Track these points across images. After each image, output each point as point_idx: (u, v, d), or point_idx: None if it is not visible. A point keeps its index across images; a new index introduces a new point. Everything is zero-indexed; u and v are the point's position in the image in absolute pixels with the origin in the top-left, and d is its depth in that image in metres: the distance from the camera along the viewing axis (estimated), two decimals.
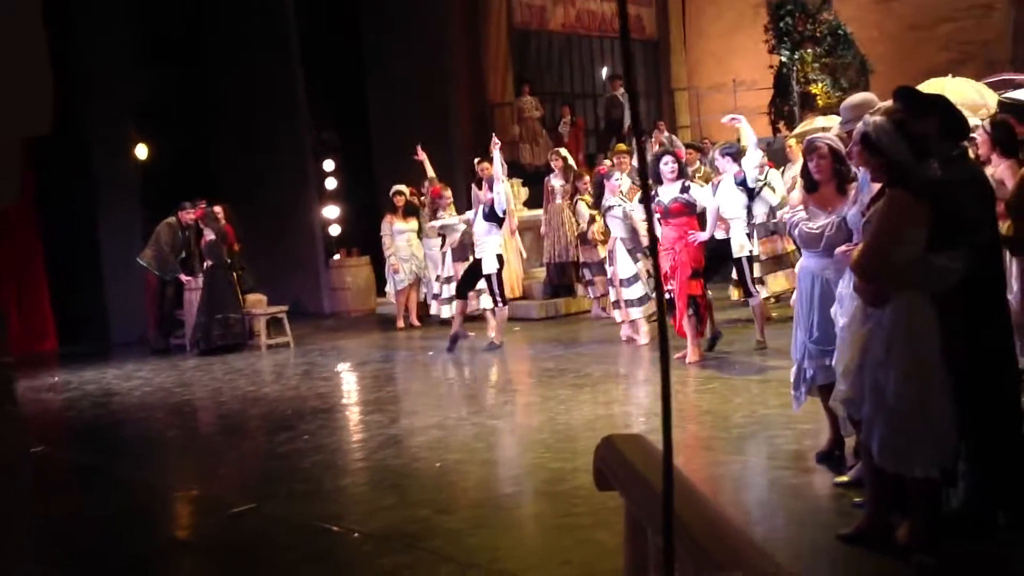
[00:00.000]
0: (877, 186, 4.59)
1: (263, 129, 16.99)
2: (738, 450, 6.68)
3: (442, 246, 13.32)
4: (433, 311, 13.87)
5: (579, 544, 5.04)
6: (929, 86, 8.24)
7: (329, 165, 17.63)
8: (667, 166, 9.62)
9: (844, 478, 5.54)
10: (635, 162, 12.69)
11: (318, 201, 17.17)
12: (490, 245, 11.40)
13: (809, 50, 17.32)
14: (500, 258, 11.48)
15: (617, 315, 11.28)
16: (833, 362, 4.93)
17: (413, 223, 14.24)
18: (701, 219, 9.79)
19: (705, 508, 1.91)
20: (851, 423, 4.70)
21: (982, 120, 7.22)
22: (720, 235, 9.82)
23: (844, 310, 4.73)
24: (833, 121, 11.10)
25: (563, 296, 14.29)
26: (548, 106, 18.68)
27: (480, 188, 12.20)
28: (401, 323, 14.35)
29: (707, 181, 11.07)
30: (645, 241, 11.02)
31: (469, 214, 12.27)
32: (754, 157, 9.82)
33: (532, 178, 16.10)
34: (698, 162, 12.87)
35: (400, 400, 9.62)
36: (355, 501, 6.28)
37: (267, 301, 14.05)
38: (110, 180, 15.52)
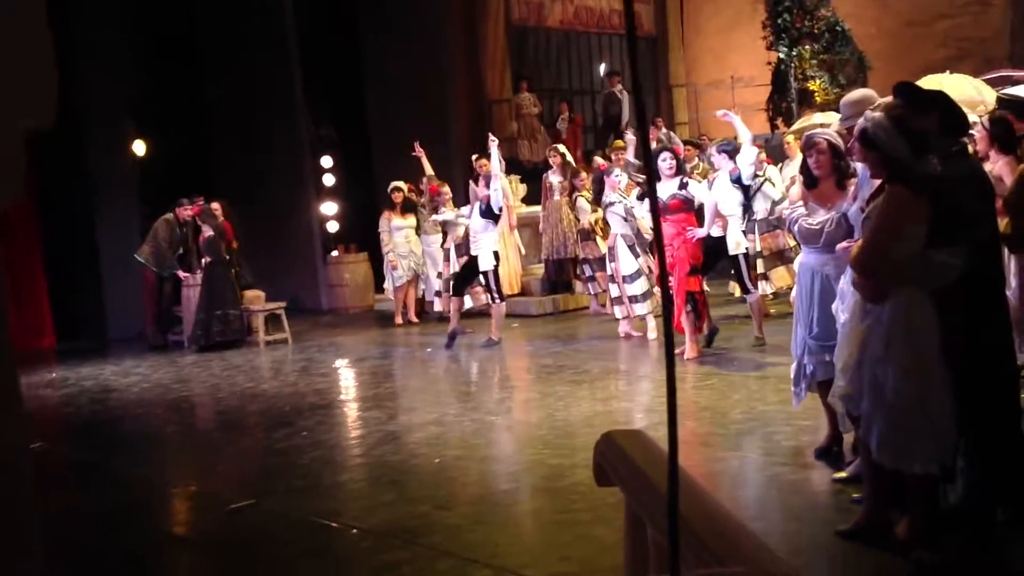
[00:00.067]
0: (877, 182, 4.59)
1: (261, 126, 16.98)
2: (736, 446, 6.69)
3: (443, 242, 13.31)
4: (437, 307, 13.84)
5: (578, 540, 5.05)
6: (927, 83, 8.26)
7: (327, 162, 17.62)
8: (665, 162, 9.63)
9: (843, 474, 5.55)
10: (629, 156, 12.69)
11: (316, 197, 17.17)
12: (486, 242, 11.40)
13: (807, 46, 17.31)
14: (496, 255, 11.48)
15: (617, 311, 11.27)
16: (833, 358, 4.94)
17: (411, 219, 14.24)
18: (699, 215, 9.79)
19: (706, 503, 1.91)
20: (850, 419, 4.70)
21: (980, 117, 7.23)
22: (717, 232, 9.82)
23: (845, 306, 4.73)
24: (831, 117, 11.14)
25: (561, 292, 14.28)
26: (546, 103, 18.67)
27: (478, 184, 12.19)
28: (399, 319, 14.35)
29: (705, 177, 11.07)
30: (648, 237, 11.05)
31: (465, 210, 12.28)
32: (749, 154, 9.81)
33: (530, 174, 16.09)
34: (696, 158, 12.86)
35: (398, 396, 9.62)
36: (354, 497, 6.29)
37: (265, 297, 14.04)
38: (108, 177, 15.52)
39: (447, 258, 13.03)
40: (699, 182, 10.27)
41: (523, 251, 14.40)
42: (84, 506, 6.70)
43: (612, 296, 11.33)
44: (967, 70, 12.64)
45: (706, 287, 10.42)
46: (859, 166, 5.10)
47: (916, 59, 16.47)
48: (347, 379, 11.06)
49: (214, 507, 6.34)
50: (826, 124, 8.84)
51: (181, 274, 13.94)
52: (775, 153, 12.96)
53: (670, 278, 9.60)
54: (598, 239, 12.13)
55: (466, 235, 12.26)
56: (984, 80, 10.86)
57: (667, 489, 1.10)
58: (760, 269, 11.17)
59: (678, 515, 1.15)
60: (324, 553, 5.27)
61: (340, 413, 9.12)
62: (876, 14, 18.60)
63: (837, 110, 11.12)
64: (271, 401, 9.54)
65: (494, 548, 5.06)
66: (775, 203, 10.98)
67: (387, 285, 14.66)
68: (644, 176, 11.76)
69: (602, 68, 19.59)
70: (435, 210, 13.31)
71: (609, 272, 11.21)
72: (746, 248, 10.22)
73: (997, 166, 6.53)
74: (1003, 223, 5.45)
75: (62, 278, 15.44)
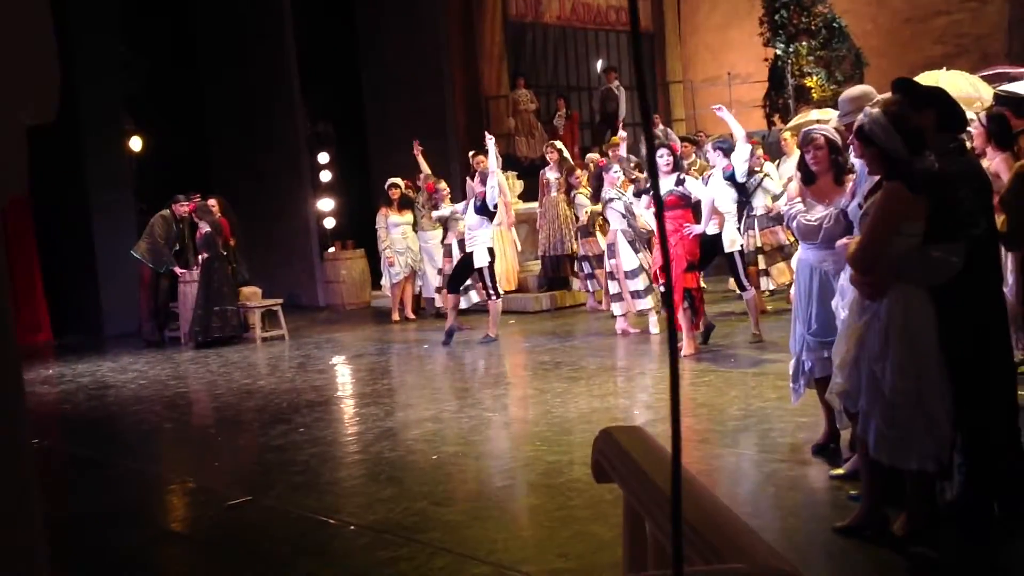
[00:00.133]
0: (875, 178, 4.59)
1: (258, 122, 16.96)
2: (734, 442, 6.70)
3: (444, 238, 13.29)
4: (438, 303, 13.82)
5: (576, 536, 5.05)
6: (924, 79, 8.24)
7: (324, 158, 17.61)
8: (662, 159, 9.62)
9: (840, 471, 5.55)
10: (623, 151, 12.69)
11: (313, 194, 17.15)
12: (481, 238, 11.40)
13: (804, 43, 17.31)
14: (491, 251, 11.49)
15: (616, 308, 11.26)
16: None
17: (408, 216, 14.23)
18: (696, 212, 9.79)
19: (704, 499, 1.91)
20: (847, 416, 4.71)
21: (976, 113, 7.24)
22: (713, 229, 9.81)
23: (845, 302, 4.73)
24: (828, 114, 11.13)
25: (558, 289, 14.28)
26: (543, 99, 18.66)
27: (474, 181, 12.19)
28: (396, 316, 14.34)
29: (702, 174, 11.07)
30: (647, 232, 11.05)
31: (460, 206, 12.25)
32: (742, 151, 9.81)
33: (527, 171, 16.10)
34: (693, 155, 12.85)
35: (396, 393, 9.61)
36: (351, 493, 6.29)
37: (262, 294, 14.03)
38: (104, 173, 15.49)
39: (448, 254, 13.00)
40: (696, 179, 10.26)
41: (519, 247, 14.39)
42: (81, 502, 6.70)
43: (611, 293, 11.31)
44: (964, 66, 12.64)
45: (703, 284, 10.44)
46: (857, 162, 5.10)
47: (913, 55, 16.49)
48: (344, 375, 11.06)
49: (211, 503, 6.34)
50: (823, 120, 8.84)
51: (178, 270, 13.92)
52: (772, 150, 12.96)
53: None
54: (598, 235, 12.11)
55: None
56: (981, 77, 10.84)
57: (671, 485, 1.10)
58: (761, 265, 11.17)
59: (681, 511, 1.15)
60: (322, 549, 5.27)
61: (337, 409, 9.11)
62: (873, 10, 18.60)
63: (834, 106, 11.11)
64: (268, 397, 9.53)
65: (492, 545, 5.06)
66: (775, 198, 10.97)
67: (384, 282, 14.66)
68: (637, 172, 11.77)
69: (599, 64, 19.58)
70: (435, 207, 13.30)
71: (609, 269, 11.20)
72: (741, 245, 10.22)
73: (994, 163, 6.54)
74: (999, 220, 5.45)
75: (58, 274, 15.42)
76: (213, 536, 5.83)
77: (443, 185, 13.24)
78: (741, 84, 18.84)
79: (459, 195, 13.40)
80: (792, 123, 13.60)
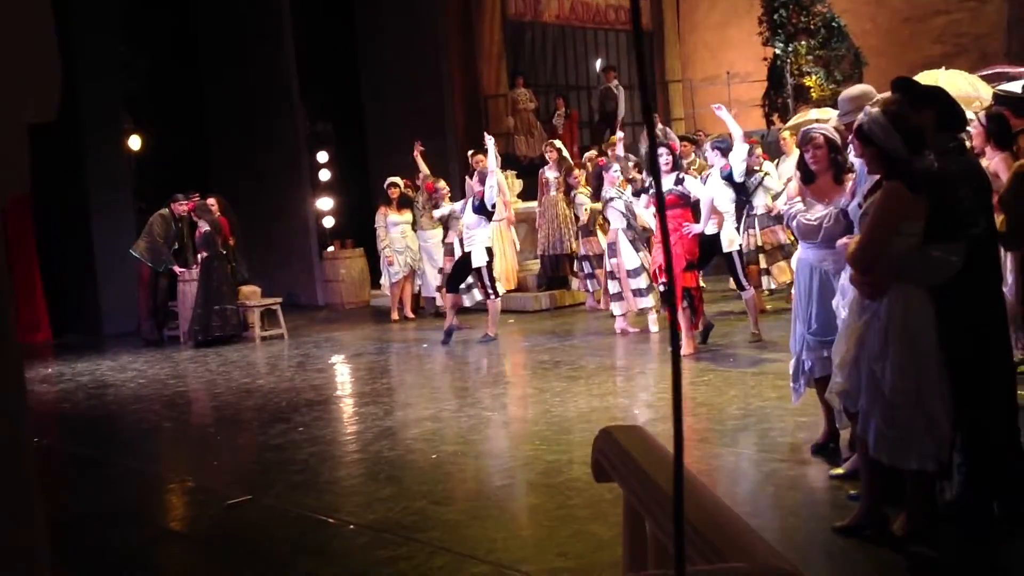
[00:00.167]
0: (875, 177, 4.59)
1: (257, 121, 16.95)
2: (733, 442, 6.70)
3: (445, 237, 13.28)
4: (439, 302, 13.81)
5: (575, 536, 5.05)
6: (923, 79, 8.24)
7: (323, 157, 17.60)
8: (661, 158, 9.62)
9: (839, 470, 5.56)
10: (619, 151, 12.68)
11: (312, 193, 17.14)
12: (479, 238, 11.40)
13: (803, 42, 17.31)
14: (489, 250, 11.49)
15: (616, 308, 11.24)
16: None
17: (407, 215, 14.23)
18: (695, 211, 9.79)
19: (705, 498, 1.91)
20: (847, 415, 4.71)
21: (975, 113, 7.24)
22: (711, 229, 9.81)
23: (846, 301, 4.74)
24: (827, 113, 11.12)
25: (557, 288, 14.28)
26: (542, 98, 18.65)
27: (473, 180, 12.18)
28: (395, 315, 14.34)
29: (701, 173, 11.08)
30: (646, 231, 11.06)
31: (458, 204, 12.23)
32: (739, 151, 9.81)
33: (526, 170, 16.10)
34: (693, 154, 12.85)
35: (395, 392, 9.61)
36: (351, 493, 6.29)
37: (261, 293, 14.03)
38: (104, 171, 15.48)
39: (450, 252, 12.98)
40: (695, 178, 10.26)
41: (518, 246, 14.39)
42: (80, 502, 6.69)
43: (611, 293, 11.29)
44: (963, 66, 12.64)
45: (702, 283, 10.45)
46: (857, 161, 5.10)
47: (912, 55, 16.49)
48: (343, 375, 11.06)
49: (211, 503, 6.34)
50: (822, 120, 8.84)
51: (177, 269, 13.93)
52: (771, 149, 12.96)
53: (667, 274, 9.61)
54: (599, 234, 12.09)
55: None
56: (980, 76, 10.84)
57: (672, 484, 1.10)
58: (763, 264, 11.18)
59: (683, 510, 1.15)
60: (321, 549, 5.27)
61: (336, 409, 9.11)
62: (872, 10, 18.60)
63: (833, 106, 11.09)
64: (267, 397, 9.53)
65: (491, 544, 5.06)
66: (774, 197, 10.96)
67: (383, 281, 14.66)
68: (635, 172, 11.77)
69: (598, 63, 19.58)
70: (435, 207, 13.29)
71: (609, 268, 11.18)
72: (739, 245, 10.23)
73: (993, 162, 6.54)
74: (998, 220, 5.45)
75: (57, 273, 15.42)
76: (212, 535, 5.83)
77: (442, 184, 13.24)
78: (740, 83, 18.84)
79: (459, 194, 13.40)
80: (791, 122, 13.60)
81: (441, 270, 13.40)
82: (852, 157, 5.37)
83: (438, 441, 7.28)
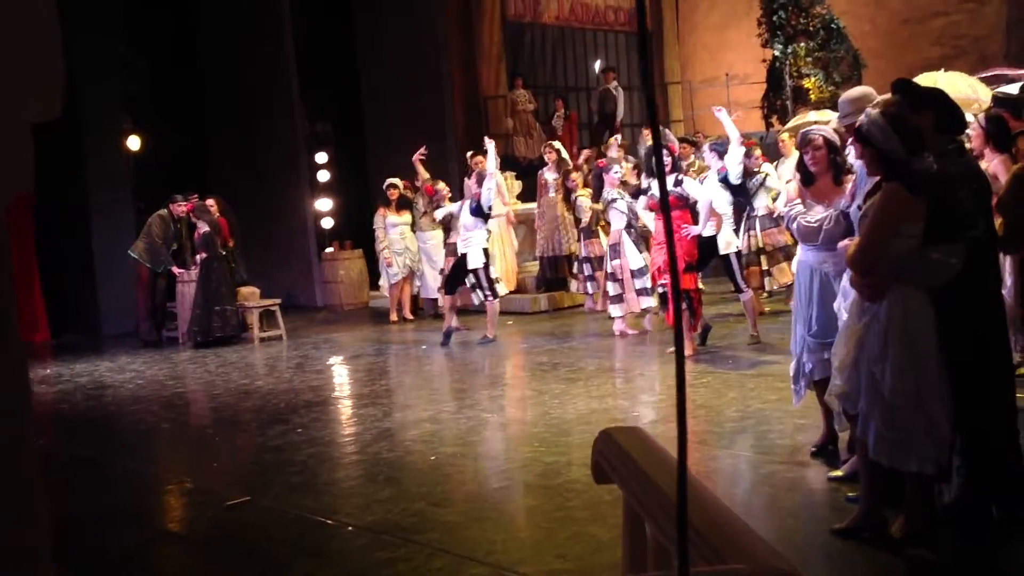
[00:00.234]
0: (875, 179, 4.59)
1: (257, 121, 16.95)
2: (732, 444, 6.69)
3: (448, 237, 13.26)
4: (441, 302, 13.80)
5: (574, 538, 5.05)
6: (922, 81, 8.25)
7: (322, 158, 17.60)
8: (655, 161, 9.61)
9: (838, 472, 5.56)
10: (613, 153, 12.69)
11: (311, 194, 17.14)
12: (476, 240, 11.41)
13: (802, 44, 17.31)
14: (486, 252, 11.49)
15: (615, 310, 11.21)
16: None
17: (407, 216, 14.22)
18: (694, 213, 9.79)
19: (705, 499, 1.91)
20: (847, 418, 4.71)
21: (975, 115, 7.25)
22: (709, 231, 9.81)
23: (847, 303, 4.74)
24: (826, 115, 11.13)
25: (557, 290, 14.27)
26: (541, 99, 18.65)
27: (472, 180, 12.18)
28: (394, 316, 14.34)
29: (700, 174, 11.08)
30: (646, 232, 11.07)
31: (455, 205, 12.20)
32: (735, 153, 9.81)
33: (525, 171, 16.10)
34: (692, 156, 12.85)
35: (393, 393, 9.61)
36: (349, 494, 6.28)
37: (260, 294, 14.03)
38: (103, 171, 15.48)
39: (453, 253, 12.97)
40: (694, 179, 10.26)
41: (516, 246, 14.40)
42: (78, 503, 6.68)
43: (610, 295, 11.26)
44: (963, 68, 12.65)
45: (701, 285, 10.44)
46: (857, 163, 5.10)
47: (911, 57, 16.49)
48: (342, 376, 11.05)
49: (209, 504, 6.34)
50: (821, 122, 8.84)
51: (175, 270, 13.93)
52: (770, 151, 12.96)
53: (666, 276, 9.62)
54: (601, 236, 12.07)
55: None
56: (980, 78, 10.86)
57: (675, 486, 1.10)
58: (764, 266, 11.17)
59: (687, 512, 1.15)
60: (320, 550, 5.27)
61: (335, 410, 9.11)
62: (871, 12, 18.60)
63: (832, 108, 11.08)
64: (266, 398, 9.53)
65: (490, 546, 5.05)
66: (775, 199, 10.96)
67: (382, 282, 14.66)
68: (631, 175, 11.76)
69: (597, 65, 19.58)
70: (437, 208, 13.28)
71: (611, 270, 11.16)
72: (737, 247, 10.23)
73: (992, 164, 6.55)
74: (996, 223, 5.46)
75: (56, 273, 15.41)
76: (211, 537, 5.82)
77: (442, 186, 13.22)
78: (739, 85, 18.84)
79: (459, 195, 13.40)
80: (790, 124, 13.62)
81: (442, 271, 13.39)
82: (852, 159, 5.37)
83: (437, 443, 7.28)
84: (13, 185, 1.18)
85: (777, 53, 17.52)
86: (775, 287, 11.54)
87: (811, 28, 17.36)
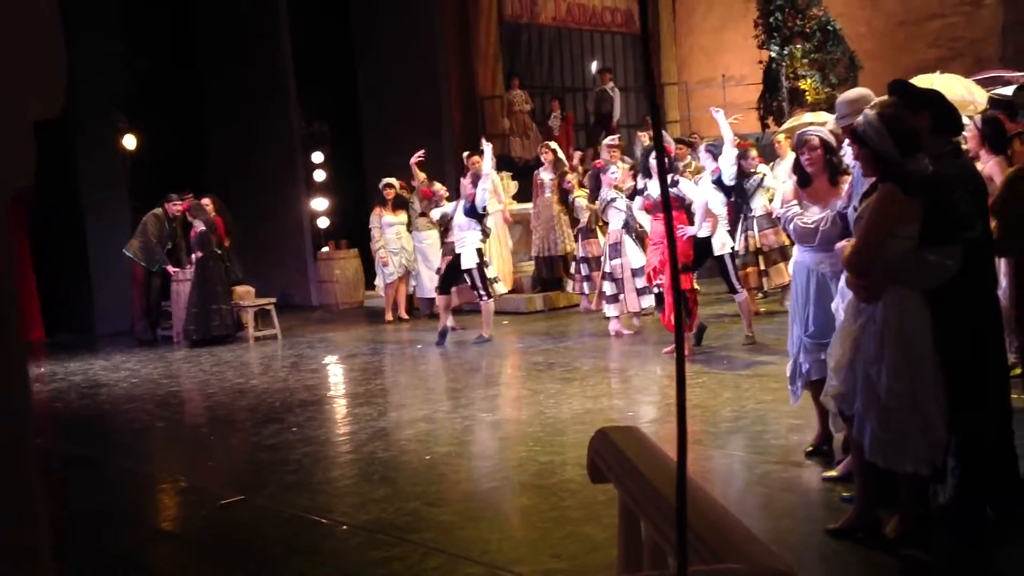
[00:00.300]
0: (871, 181, 4.60)
1: (253, 120, 16.95)
2: (727, 444, 6.70)
3: (446, 236, 13.25)
4: (439, 302, 13.78)
5: (569, 537, 5.05)
6: (918, 82, 8.27)
7: (318, 157, 17.60)
8: (656, 160, 9.64)
9: (833, 472, 5.57)
10: (605, 155, 12.70)
11: (307, 193, 17.14)
12: (469, 240, 11.41)
13: (798, 46, 17.32)
14: (480, 252, 11.49)
15: (611, 310, 11.22)
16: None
17: (403, 216, 14.22)
18: (690, 214, 9.80)
19: (701, 499, 1.92)
20: (842, 418, 4.71)
21: (970, 117, 7.27)
22: (704, 232, 9.82)
23: (845, 304, 4.75)
24: (821, 117, 11.15)
25: (552, 290, 14.28)
26: (538, 100, 18.65)
27: (467, 180, 12.18)
28: (390, 316, 14.34)
29: (696, 175, 11.09)
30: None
31: (450, 205, 12.20)
32: (729, 155, 9.83)
33: (522, 172, 16.10)
34: (688, 157, 12.86)
35: (389, 393, 9.61)
36: (344, 493, 6.28)
37: (255, 293, 14.02)
38: (98, 170, 15.48)
39: (451, 252, 12.96)
40: (690, 180, 10.27)
41: (511, 245, 14.40)
42: (73, 501, 6.67)
43: (607, 294, 11.27)
44: (959, 70, 12.67)
45: (696, 285, 10.45)
46: (855, 164, 5.10)
47: (907, 59, 16.51)
48: (337, 375, 11.05)
49: (204, 503, 6.32)
50: (816, 123, 8.86)
51: (170, 269, 13.92)
52: (766, 152, 12.98)
53: (661, 276, 9.62)
54: (600, 236, 12.06)
55: None
56: (976, 80, 10.89)
57: (675, 484, 1.10)
58: (762, 266, 11.19)
59: (686, 512, 1.15)
60: (314, 549, 5.26)
61: (330, 409, 9.10)
62: (867, 13, 18.63)
63: (828, 109, 11.08)
64: (261, 397, 9.52)
65: (485, 545, 5.06)
66: (771, 199, 10.97)
67: (378, 282, 14.65)
68: (627, 176, 11.76)
69: (594, 65, 19.59)
70: (436, 207, 13.27)
71: (608, 269, 11.16)
72: (731, 248, 10.24)
73: (987, 166, 6.56)
74: (991, 225, 5.47)
75: (51, 272, 15.39)
76: (205, 535, 5.81)
77: (439, 187, 13.22)
78: (735, 86, 18.85)
79: (456, 195, 13.40)
80: (786, 126, 13.63)
81: (439, 270, 13.39)
82: (848, 159, 5.38)
83: (432, 442, 7.28)
84: (14, 183, 1.18)
85: (773, 55, 17.54)
86: (771, 288, 11.56)
87: (807, 30, 17.38)
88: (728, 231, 10.35)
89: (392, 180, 14.26)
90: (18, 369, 1.16)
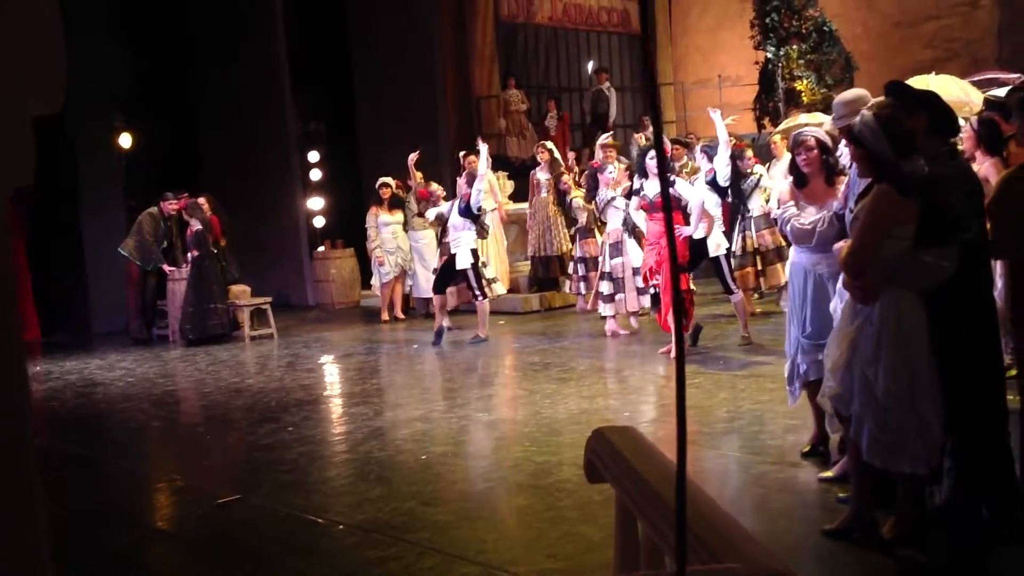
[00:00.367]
0: (867, 182, 4.60)
1: (249, 120, 16.94)
2: (723, 445, 6.70)
3: (443, 236, 13.23)
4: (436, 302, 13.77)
5: (565, 537, 5.05)
6: (914, 84, 8.27)
7: (314, 156, 17.60)
8: (653, 161, 9.64)
9: (829, 473, 5.57)
10: (599, 155, 12.72)
11: (303, 193, 17.14)
12: (464, 240, 11.41)
13: (794, 46, 17.34)
14: (475, 252, 11.49)
15: (607, 309, 11.22)
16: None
17: (399, 215, 14.22)
18: (686, 214, 9.80)
19: (698, 499, 1.92)
20: (839, 419, 4.72)
21: (966, 118, 7.27)
22: (699, 233, 9.82)
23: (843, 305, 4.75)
24: (817, 118, 11.15)
25: (548, 290, 14.28)
26: (534, 100, 18.65)
27: (463, 179, 12.17)
28: (386, 315, 14.34)
29: (692, 176, 11.09)
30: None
31: (445, 206, 12.19)
32: (723, 156, 9.84)
33: (518, 171, 16.10)
34: (685, 157, 12.87)
35: (384, 392, 9.61)
36: (340, 493, 6.28)
37: (251, 292, 14.01)
38: (94, 169, 15.47)
39: (448, 252, 12.95)
40: (686, 181, 10.28)
41: (507, 245, 14.41)
42: (69, 500, 6.66)
43: (603, 294, 11.27)
44: (955, 71, 12.67)
45: (692, 286, 10.46)
46: (851, 165, 5.11)
47: (903, 60, 16.52)
48: (333, 375, 11.04)
49: (200, 502, 6.33)
50: (812, 124, 8.86)
51: (166, 268, 13.91)
52: (762, 153, 12.99)
53: (657, 277, 9.62)
54: (598, 236, 12.06)
55: None
56: (972, 81, 10.89)
57: (675, 484, 1.10)
58: (759, 266, 11.19)
59: (686, 511, 1.16)
60: (310, 548, 5.26)
61: (326, 409, 9.10)
62: (863, 14, 18.64)
63: (823, 110, 11.08)
64: (257, 396, 9.52)
65: (481, 545, 5.06)
66: (768, 199, 10.98)
67: (374, 281, 14.65)
68: (623, 175, 11.76)
69: (590, 65, 19.59)
70: (434, 206, 13.27)
71: (607, 268, 11.16)
72: (726, 249, 10.25)
73: (983, 167, 6.57)
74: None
75: (47, 271, 15.36)
76: (201, 535, 5.81)
77: (435, 187, 13.23)
78: (731, 87, 18.87)
79: (453, 195, 13.39)
80: (782, 126, 13.63)
81: (435, 270, 13.38)
82: (844, 160, 5.38)
83: (428, 442, 7.28)
84: (14, 182, 1.18)
85: (769, 55, 17.56)
86: (767, 288, 11.57)
87: (803, 31, 17.40)
88: (724, 232, 10.35)
89: (388, 180, 14.26)
90: (17, 369, 1.16)
